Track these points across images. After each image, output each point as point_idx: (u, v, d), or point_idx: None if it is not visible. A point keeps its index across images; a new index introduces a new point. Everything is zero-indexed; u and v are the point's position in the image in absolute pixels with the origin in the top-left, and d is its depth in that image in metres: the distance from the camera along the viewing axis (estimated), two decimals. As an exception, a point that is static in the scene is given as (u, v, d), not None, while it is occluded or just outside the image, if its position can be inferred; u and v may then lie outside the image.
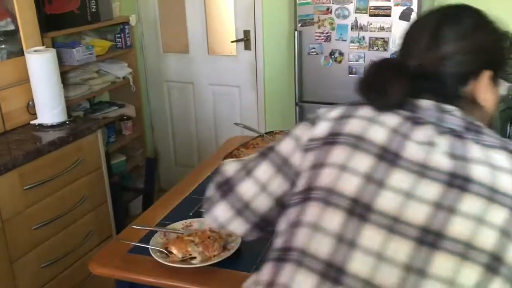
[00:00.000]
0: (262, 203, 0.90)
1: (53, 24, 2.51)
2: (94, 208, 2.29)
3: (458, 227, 0.72)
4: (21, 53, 2.20)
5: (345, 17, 2.48)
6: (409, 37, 0.91)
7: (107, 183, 2.38)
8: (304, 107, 2.72)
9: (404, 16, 2.37)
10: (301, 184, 0.84)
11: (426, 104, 0.84)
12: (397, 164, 0.78)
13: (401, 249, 0.73)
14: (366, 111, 0.86)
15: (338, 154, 0.82)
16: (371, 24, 2.43)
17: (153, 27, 3.37)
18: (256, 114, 3.28)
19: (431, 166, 0.77)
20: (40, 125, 2.20)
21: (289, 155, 0.89)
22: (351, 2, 2.44)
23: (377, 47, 2.46)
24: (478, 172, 0.75)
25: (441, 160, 0.77)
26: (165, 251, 1.21)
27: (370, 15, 2.42)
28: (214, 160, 1.83)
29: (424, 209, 0.74)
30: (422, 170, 0.77)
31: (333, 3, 2.48)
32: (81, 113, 2.87)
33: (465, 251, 0.71)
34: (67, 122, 2.23)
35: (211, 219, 0.96)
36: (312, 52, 2.61)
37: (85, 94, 2.78)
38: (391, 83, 0.84)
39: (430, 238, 0.72)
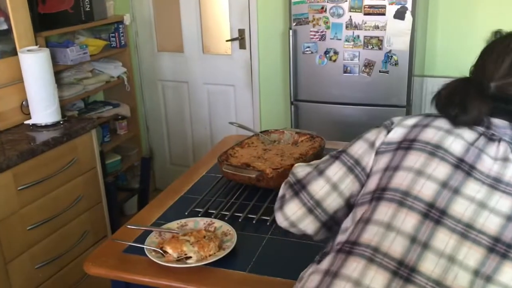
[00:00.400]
0: (333, 202, 0.95)
1: (46, 23, 2.50)
2: (89, 208, 2.29)
3: None
4: (14, 52, 2.19)
5: (339, 15, 2.48)
6: (489, 58, 0.96)
7: (102, 183, 2.37)
8: (299, 106, 2.72)
9: (399, 14, 2.37)
10: (372, 184, 0.89)
11: (500, 123, 0.89)
12: (472, 175, 0.84)
13: (472, 255, 0.78)
14: (442, 122, 0.91)
15: (414, 159, 0.86)
16: (365, 22, 2.44)
17: (148, 26, 3.36)
18: (251, 113, 3.28)
19: (505, 181, 0.83)
20: (34, 125, 2.19)
21: (361, 157, 0.93)
22: (346, 1, 2.44)
23: (371, 46, 2.46)
24: None
25: (491, 165, 0.84)
26: (160, 251, 1.21)
27: (365, 14, 2.42)
28: (209, 160, 1.83)
29: (496, 220, 0.79)
30: (496, 184, 0.83)
31: (327, 2, 2.48)
32: (75, 112, 2.86)
33: None
34: (61, 122, 2.22)
35: (283, 217, 0.98)
36: (307, 51, 2.60)
37: (79, 93, 2.76)
38: (473, 102, 0.89)
39: (500, 248, 0.78)
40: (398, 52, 2.43)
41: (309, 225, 0.97)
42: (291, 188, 0.99)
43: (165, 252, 1.21)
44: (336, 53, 2.55)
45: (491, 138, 0.88)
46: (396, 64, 2.46)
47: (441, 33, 2.85)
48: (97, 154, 2.32)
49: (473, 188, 0.82)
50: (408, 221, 0.81)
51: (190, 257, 1.19)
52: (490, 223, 0.79)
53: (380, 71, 2.49)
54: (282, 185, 1.03)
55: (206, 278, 1.16)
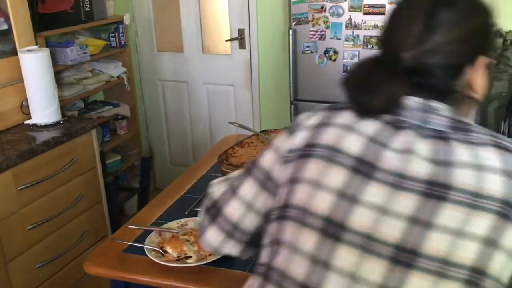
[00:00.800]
0: (251, 222, 0.88)
1: (46, 23, 2.50)
2: (89, 208, 2.29)
3: (434, 243, 0.68)
4: (14, 52, 2.19)
5: (339, 15, 2.48)
6: (398, 23, 0.79)
7: (102, 182, 2.37)
8: (299, 105, 2.72)
9: (398, 14, 2.37)
10: (280, 199, 0.81)
11: (413, 103, 0.76)
12: (372, 176, 0.73)
13: (374, 269, 0.69)
14: (345, 117, 0.80)
15: (312, 168, 0.77)
16: (365, 22, 2.44)
17: (147, 26, 3.36)
18: (251, 112, 3.28)
19: (409, 176, 0.71)
20: (34, 125, 2.19)
21: (270, 169, 0.85)
22: (345, 1, 2.44)
23: (371, 45, 2.46)
24: (461, 177, 0.70)
25: (419, 167, 0.71)
26: (160, 251, 1.21)
27: (364, 13, 2.43)
28: (209, 159, 1.83)
29: (399, 225, 0.69)
30: (399, 181, 0.71)
31: (327, 1, 2.48)
32: (75, 112, 2.86)
33: (442, 268, 0.67)
34: (61, 122, 2.22)
35: (205, 245, 0.94)
36: (307, 50, 2.61)
37: (79, 93, 2.77)
38: (381, 85, 0.76)
39: (404, 256, 0.68)
40: (398, 51, 2.43)
41: (232, 249, 0.91)
42: (208, 213, 0.93)
43: (165, 251, 1.21)
44: (335, 52, 2.55)
45: (398, 126, 0.75)
46: (395, 63, 2.46)
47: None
48: (97, 154, 2.32)
49: (373, 192, 0.72)
50: (308, 240, 0.74)
51: (190, 256, 1.19)
52: (392, 230, 0.69)
53: (379, 71, 2.50)
54: (201, 209, 0.97)
55: (206, 277, 1.16)
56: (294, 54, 2.63)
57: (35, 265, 1.99)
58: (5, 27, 2.20)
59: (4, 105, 2.15)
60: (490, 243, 0.67)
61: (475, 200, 0.68)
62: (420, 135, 0.74)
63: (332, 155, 0.76)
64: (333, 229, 0.73)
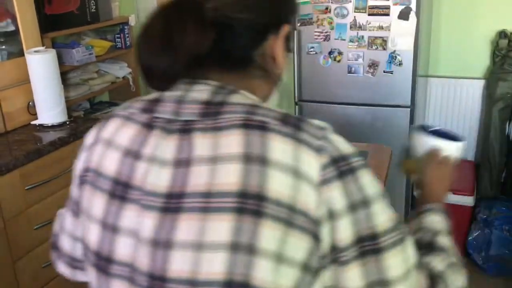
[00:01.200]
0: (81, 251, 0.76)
1: (53, 24, 2.51)
2: (94, 207, 2.30)
3: (178, 265, 0.58)
4: (21, 53, 2.21)
5: (344, 16, 2.49)
6: None
7: (108, 182, 2.38)
8: (303, 106, 2.73)
9: (403, 15, 2.38)
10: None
11: (177, 85, 0.65)
12: (127, 197, 0.63)
13: None
14: (109, 129, 0.68)
15: (84, 198, 0.69)
16: (370, 23, 2.44)
17: (153, 27, 3.37)
18: (256, 113, 3.29)
19: (147, 190, 0.61)
20: (40, 125, 2.20)
21: (76, 196, 0.74)
22: (350, 2, 2.45)
23: (376, 46, 2.47)
24: (196, 177, 0.59)
25: (158, 177, 0.61)
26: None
27: (369, 14, 2.43)
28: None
29: (146, 251, 0.60)
30: (143, 198, 0.61)
31: (332, 2, 2.49)
32: (81, 113, 2.88)
33: None
34: (67, 122, 2.24)
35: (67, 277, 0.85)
36: (311, 51, 2.61)
37: (85, 94, 2.78)
38: (185, 37, 0.61)
39: (156, 285, 0.60)
40: (402, 52, 2.44)
41: (84, 277, 0.78)
42: (53, 249, 0.85)
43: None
44: (340, 53, 2.56)
45: (151, 126, 0.63)
46: (400, 64, 2.46)
47: (445, 33, 2.85)
48: (103, 154, 2.33)
49: (129, 216, 0.62)
50: (90, 277, 0.68)
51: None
52: (144, 257, 0.60)
53: (384, 72, 2.50)
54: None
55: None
56: (299, 54, 2.64)
57: (42, 264, 2.00)
58: (12, 28, 2.22)
59: (11, 105, 2.17)
60: (241, 248, 0.56)
61: (208, 202, 0.58)
62: (167, 132, 0.62)
63: (95, 179, 0.66)
64: (104, 264, 0.65)
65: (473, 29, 2.78)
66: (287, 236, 0.56)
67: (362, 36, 2.48)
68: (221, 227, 0.56)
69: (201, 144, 0.60)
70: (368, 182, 0.62)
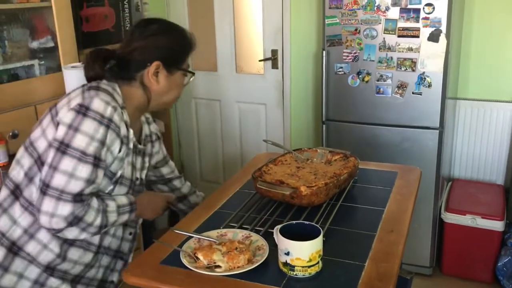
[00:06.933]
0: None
1: (89, 41, 2.61)
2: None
3: None
4: (59, 69, 2.29)
5: (373, 37, 2.51)
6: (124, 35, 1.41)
7: (136, 196, 2.42)
8: (330, 125, 2.74)
9: (433, 37, 2.38)
10: None
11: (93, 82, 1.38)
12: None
13: None
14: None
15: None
16: (399, 44, 2.46)
17: (183, 45, 3.46)
18: (282, 131, 3.32)
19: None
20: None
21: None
22: (379, 23, 2.47)
23: (405, 68, 2.47)
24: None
25: None
26: (194, 257, 1.25)
27: (399, 36, 2.45)
28: (242, 176, 1.86)
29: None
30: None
31: (361, 24, 2.51)
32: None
33: None
34: (100, 136, 2.30)
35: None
36: (340, 71, 2.64)
37: (116, 109, 2.85)
38: (92, 64, 1.36)
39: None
40: (432, 74, 2.44)
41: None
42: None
43: (198, 258, 1.24)
44: (368, 74, 2.57)
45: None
46: (429, 86, 2.46)
47: (475, 55, 2.84)
48: (132, 168, 2.38)
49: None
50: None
51: (219, 266, 1.22)
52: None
53: (413, 93, 2.50)
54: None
55: (240, 291, 1.18)
56: (327, 74, 2.66)
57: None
58: (51, 44, 2.31)
59: (47, 118, 2.24)
60: None
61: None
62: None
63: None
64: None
65: (503, 51, 2.77)
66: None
67: (391, 57, 2.49)
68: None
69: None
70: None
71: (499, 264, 2.60)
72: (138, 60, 1.34)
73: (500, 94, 2.82)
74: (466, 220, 2.63)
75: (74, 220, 1.22)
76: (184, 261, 1.23)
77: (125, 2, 2.98)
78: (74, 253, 1.38)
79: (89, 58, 1.36)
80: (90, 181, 1.24)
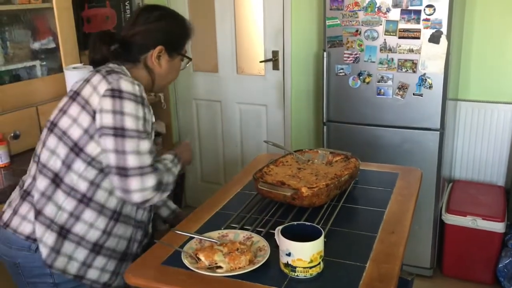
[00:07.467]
0: None
1: (90, 42, 2.61)
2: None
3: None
4: (60, 69, 2.30)
5: (374, 39, 2.51)
6: (127, 19, 1.44)
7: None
8: (331, 126, 2.74)
9: (434, 38, 2.39)
10: None
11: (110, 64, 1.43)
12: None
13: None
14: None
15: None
16: (400, 46, 2.46)
17: (184, 46, 3.46)
18: (283, 132, 3.32)
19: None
20: (75, 139, 2.27)
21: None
22: (380, 25, 2.47)
23: (405, 69, 2.48)
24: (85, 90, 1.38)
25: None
26: (195, 258, 1.25)
27: (399, 37, 2.45)
28: (243, 177, 1.87)
29: None
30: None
31: (362, 25, 2.52)
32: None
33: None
34: (101, 137, 2.30)
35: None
36: (340, 72, 2.64)
37: (117, 110, 2.86)
38: (99, 46, 1.43)
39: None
40: (433, 75, 2.44)
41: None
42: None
43: (199, 258, 1.24)
44: (369, 75, 2.57)
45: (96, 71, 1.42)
46: (430, 87, 2.46)
47: (476, 57, 2.84)
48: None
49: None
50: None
51: (221, 267, 1.22)
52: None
53: (414, 94, 2.50)
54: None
55: (242, 292, 1.18)
56: (328, 76, 2.67)
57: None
58: (53, 45, 2.32)
59: (48, 119, 2.24)
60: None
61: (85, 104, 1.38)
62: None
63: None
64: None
65: (504, 53, 2.77)
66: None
67: (392, 59, 2.50)
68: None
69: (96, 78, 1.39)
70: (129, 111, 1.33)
71: (499, 266, 2.60)
72: (141, 43, 1.43)
73: (501, 96, 2.82)
74: (467, 221, 2.64)
75: (159, 186, 1.35)
76: (186, 261, 1.24)
77: (126, 3, 2.99)
78: (119, 228, 1.47)
79: (96, 39, 1.42)
80: (152, 152, 1.36)
